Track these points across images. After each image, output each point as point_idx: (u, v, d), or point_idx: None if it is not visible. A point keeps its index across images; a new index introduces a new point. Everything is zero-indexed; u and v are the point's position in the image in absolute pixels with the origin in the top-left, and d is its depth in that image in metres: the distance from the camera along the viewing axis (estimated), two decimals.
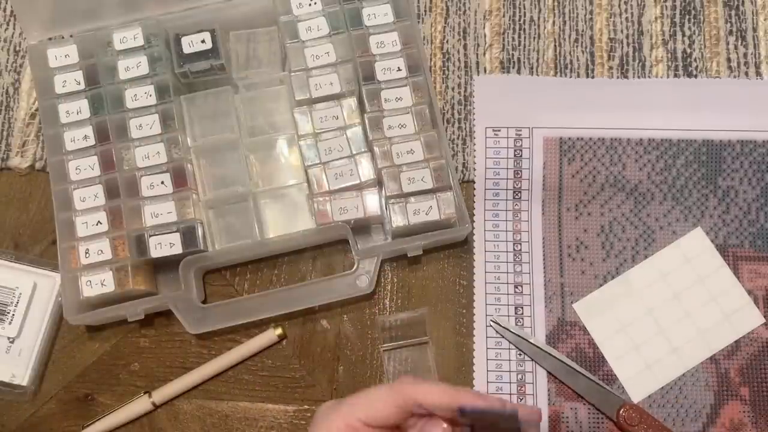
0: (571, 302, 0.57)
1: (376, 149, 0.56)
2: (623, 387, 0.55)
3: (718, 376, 0.55)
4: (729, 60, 0.61)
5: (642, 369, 0.55)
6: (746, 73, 0.61)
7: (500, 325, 0.55)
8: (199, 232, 0.55)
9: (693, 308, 0.56)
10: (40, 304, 0.57)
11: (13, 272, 0.58)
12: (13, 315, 0.56)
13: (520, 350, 0.55)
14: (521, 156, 0.59)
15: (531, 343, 0.55)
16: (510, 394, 0.55)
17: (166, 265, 0.57)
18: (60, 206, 0.56)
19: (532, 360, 0.55)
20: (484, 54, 0.62)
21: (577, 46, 0.62)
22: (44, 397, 0.56)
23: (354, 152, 0.56)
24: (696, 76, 0.61)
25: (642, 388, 0.55)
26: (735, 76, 0.61)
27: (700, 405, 0.55)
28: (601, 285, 0.57)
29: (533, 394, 0.55)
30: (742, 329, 0.56)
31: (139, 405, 0.55)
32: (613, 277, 0.57)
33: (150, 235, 0.54)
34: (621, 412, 0.53)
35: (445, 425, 0.42)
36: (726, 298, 0.56)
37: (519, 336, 0.55)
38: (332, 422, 0.42)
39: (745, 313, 0.56)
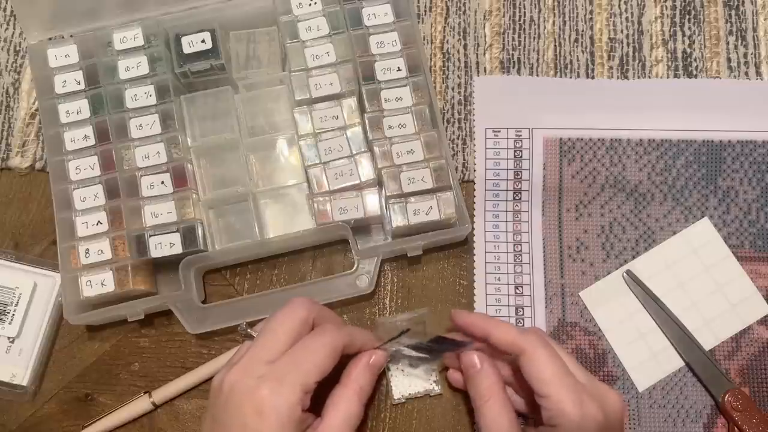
0: (572, 303, 0.57)
1: (376, 149, 0.55)
2: (629, 375, 0.55)
3: None
4: (729, 60, 0.61)
5: (647, 358, 0.55)
6: (746, 73, 0.61)
7: (633, 278, 0.56)
8: (199, 232, 0.55)
9: (699, 297, 0.56)
10: (40, 304, 0.57)
11: (13, 272, 0.58)
12: (13, 315, 0.56)
13: (646, 309, 0.56)
14: (521, 157, 0.59)
15: (658, 305, 0.55)
16: None
17: (166, 265, 0.57)
18: (60, 206, 0.56)
19: (654, 320, 0.55)
20: (484, 54, 0.62)
21: (577, 46, 0.62)
22: (44, 397, 0.56)
23: (354, 152, 0.56)
24: (696, 76, 0.61)
25: (647, 376, 0.55)
26: (735, 76, 0.61)
27: (700, 405, 0.55)
28: None
29: None
30: (749, 319, 0.56)
31: (139, 405, 0.55)
32: None
33: (150, 235, 0.54)
34: (727, 396, 0.53)
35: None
36: (732, 288, 0.56)
37: (648, 294, 0.55)
38: (284, 397, 0.42)
39: (752, 303, 0.56)
